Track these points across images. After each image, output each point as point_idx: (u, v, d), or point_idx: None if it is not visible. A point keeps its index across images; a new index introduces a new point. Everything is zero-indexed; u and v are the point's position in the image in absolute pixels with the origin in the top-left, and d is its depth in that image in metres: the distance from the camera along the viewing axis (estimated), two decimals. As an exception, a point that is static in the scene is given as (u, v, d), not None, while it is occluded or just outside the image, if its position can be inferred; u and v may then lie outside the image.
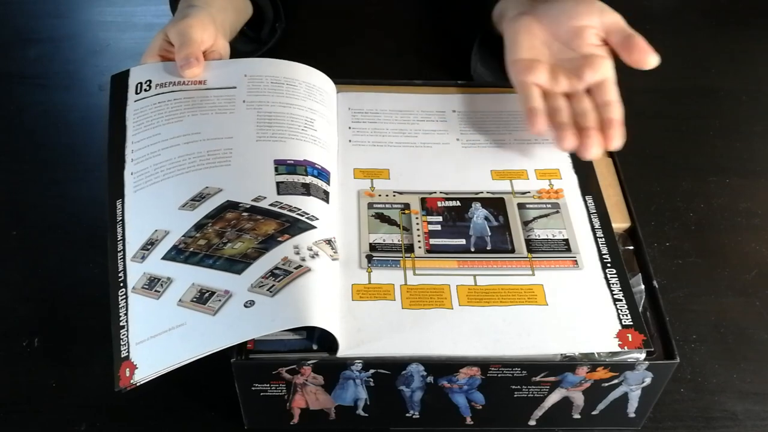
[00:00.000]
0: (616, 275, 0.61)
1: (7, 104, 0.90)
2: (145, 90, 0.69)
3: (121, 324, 0.56)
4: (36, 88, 0.92)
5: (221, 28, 0.73)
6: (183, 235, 0.59)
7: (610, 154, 0.71)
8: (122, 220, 0.61)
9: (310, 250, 0.58)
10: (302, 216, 0.60)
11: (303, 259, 0.57)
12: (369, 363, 0.55)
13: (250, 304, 0.54)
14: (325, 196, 0.63)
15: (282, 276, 0.55)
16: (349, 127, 0.73)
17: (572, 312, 0.58)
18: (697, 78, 0.97)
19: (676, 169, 0.84)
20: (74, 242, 0.74)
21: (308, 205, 0.61)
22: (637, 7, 1.09)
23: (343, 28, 0.99)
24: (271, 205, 0.61)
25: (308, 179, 0.63)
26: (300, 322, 0.53)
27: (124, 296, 0.57)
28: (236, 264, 0.57)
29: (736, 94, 0.94)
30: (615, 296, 0.59)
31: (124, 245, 0.59)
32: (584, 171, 0.69)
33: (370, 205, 0.65)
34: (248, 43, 0.86)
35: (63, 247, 0.74)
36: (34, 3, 1.06)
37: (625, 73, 0.96)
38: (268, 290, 0.55)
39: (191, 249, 0.58)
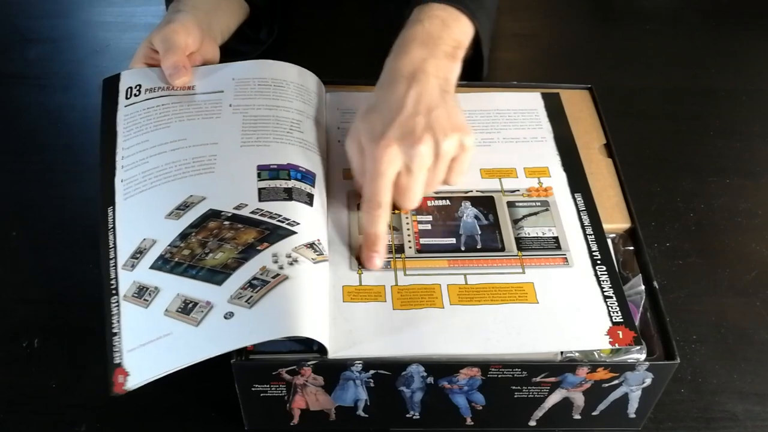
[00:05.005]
0: (606, 272, 0.61)
1: (7, 104, 0.90)
2: (135, 95, 0.68)
3: (114, 331, 0.56)
4: (36, 88, 0.92)
5: (209, 32, 0.72)
6: (169, 245, 0.59)
7: (610, 154, 0.71)
8: (113, 228, 0.61)
9: (289, 257, 0.57)
10: (283, 222, 0.60)
11: (281, 267, 0.57)
12: (369, 364, 0.55)
13: (229, 315, 0.54)
14: (308, 199, 0.63)
15: (260, 286, 0.55)
16: (338, 128, 0.72)
17: (563, 310, 0.58)
18: (697, 78, 0.97)
19: (676, 169, 0.84)
20: (74, 242, 0.74)
21: (290, 210, 0.61)
22: (637, 7, 1.09)
23: (340, 29, 0.99)
24: (252, 212, 0.60)
25: (291, 183, 0.63)
26: (277, 333, 0.53)
27: (117, 303, 0.57)
28: (217, 275, 0.57)
29: (736, 94, 0.94)
30: (605, 293, 0.59)
31: (115, 253, 0.60)
32: (573, 169, 0.69)
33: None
34: (247, 43, 0.86)
35: (63, 247, 0.74)
36: (34, 3, 1.06)
37: (626, 73, 0.97)
38: (246, 301, 0.55)
39: (176, 259, 0.58)
